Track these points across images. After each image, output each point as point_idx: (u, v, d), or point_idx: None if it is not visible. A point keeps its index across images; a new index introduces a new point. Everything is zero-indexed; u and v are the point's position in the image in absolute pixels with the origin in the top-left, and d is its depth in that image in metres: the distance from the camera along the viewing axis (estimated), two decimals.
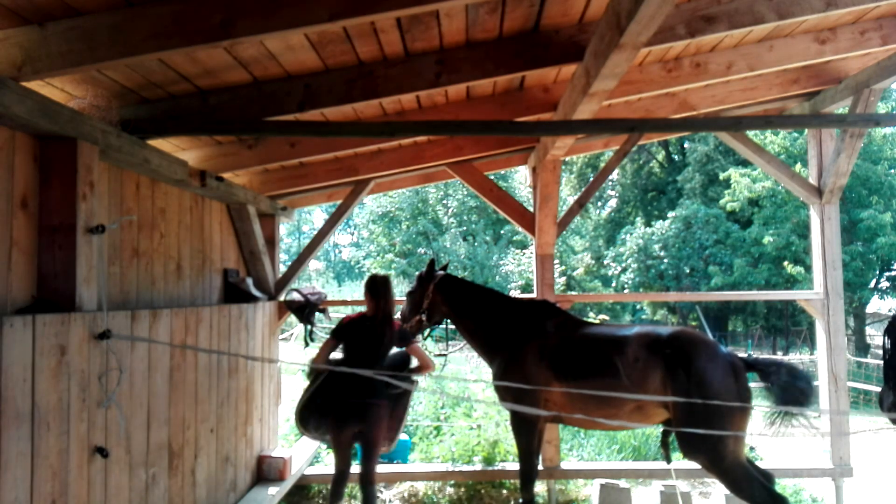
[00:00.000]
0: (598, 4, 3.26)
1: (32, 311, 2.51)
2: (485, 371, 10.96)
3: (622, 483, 5.33)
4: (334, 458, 4.30)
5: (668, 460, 4.24)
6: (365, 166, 5.37)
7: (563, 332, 4.29)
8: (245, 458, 4.87)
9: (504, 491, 5.84)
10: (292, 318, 5.64)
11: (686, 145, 25.49)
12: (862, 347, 20.95)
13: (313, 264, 36.68)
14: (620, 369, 3.89)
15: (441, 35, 3.41)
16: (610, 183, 28.59)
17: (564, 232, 14.16)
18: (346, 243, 45.13)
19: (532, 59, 3.64)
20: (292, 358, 10.07)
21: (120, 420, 2.91)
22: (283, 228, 10.10)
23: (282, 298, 5.67)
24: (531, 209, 5.79)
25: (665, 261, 22.65)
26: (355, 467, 4.30)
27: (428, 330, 4.86)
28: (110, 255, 3.22)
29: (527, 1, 3.19)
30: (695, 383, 3.68)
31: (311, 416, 4.38)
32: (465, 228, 27.81)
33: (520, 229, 6.13)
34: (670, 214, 23.44)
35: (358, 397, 4.10)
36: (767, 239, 20.12)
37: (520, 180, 26.67)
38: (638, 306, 27.00)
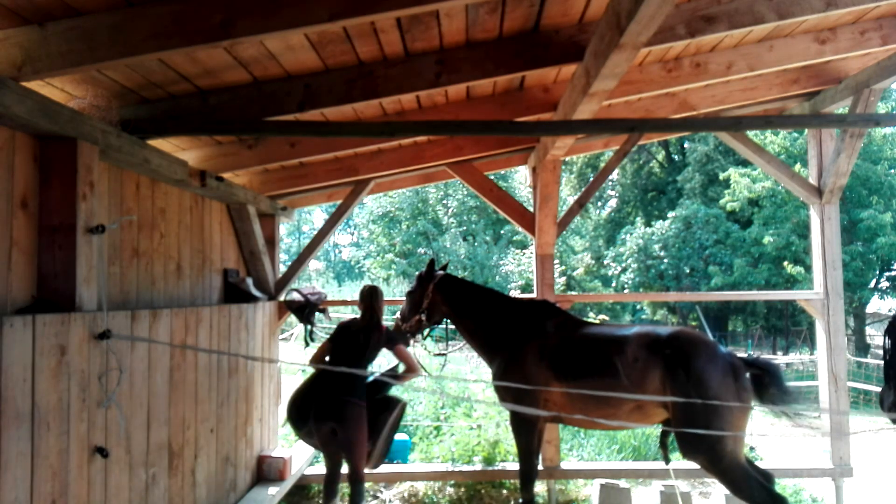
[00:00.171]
0: (598, 4, 3.26)
1: (32, 311, 2.51)
2: (485, 371, 10.96)
3: (622, 483, 5.33)
4: (323, 455, 4.36)
5: (667, 460, 4.24)
6: (365, 166, 5.37)
7: (563, 332, 4.29)
8: (245, 458, 4.87)
9: (504, 491, 5.84)
10: (292, 318, 5.64)
11: (686, 145, 25.48)
12: (862, 347, 20.94)
13: (313, 264, 36.68)
14: (620, 369, 3.89)
15: (441, 35, 3.41)
16: (610, 183, 28.58)
17: (564, 232, 14.16)
18: (346, 243, 45.13)
19: (532, 59, 3.64)
20: (292, 358, 10.07)
21: (120, 420, 2.91)
22: (283, 228, 10.10)
23: (282, 298, 5.67)
24: (531, 209, 5.79)
25: (665, 261, 22.64)
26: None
27: (427, 330, 4.86)
28: (110, 255, 3.23)
29: (527, 1, 3.19)
30: (694, 383, 3.68)
31: (298, 415, 4.44)
32: (465, 228, 27.81)
33: (520, 229, 6.13)
34: (670, 214, 23.43)
35: (333, 395, 4.16)
36: (767, 239, 20.11)
37: (520, 180, 26.67)
38: (638, 306, 26.99)
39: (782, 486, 5.82)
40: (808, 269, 17.90)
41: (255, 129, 3.67)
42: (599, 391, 3.65)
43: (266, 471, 5.13)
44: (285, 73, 3.51)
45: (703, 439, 3.58)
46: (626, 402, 3.84)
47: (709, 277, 21.44)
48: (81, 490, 2.62)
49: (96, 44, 2.55)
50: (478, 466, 5.72)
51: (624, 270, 23.60)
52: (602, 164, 22.69)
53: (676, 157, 27.00)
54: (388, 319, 4.76)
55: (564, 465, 5.61)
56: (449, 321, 4.96)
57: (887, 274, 20.56)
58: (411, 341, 4.86)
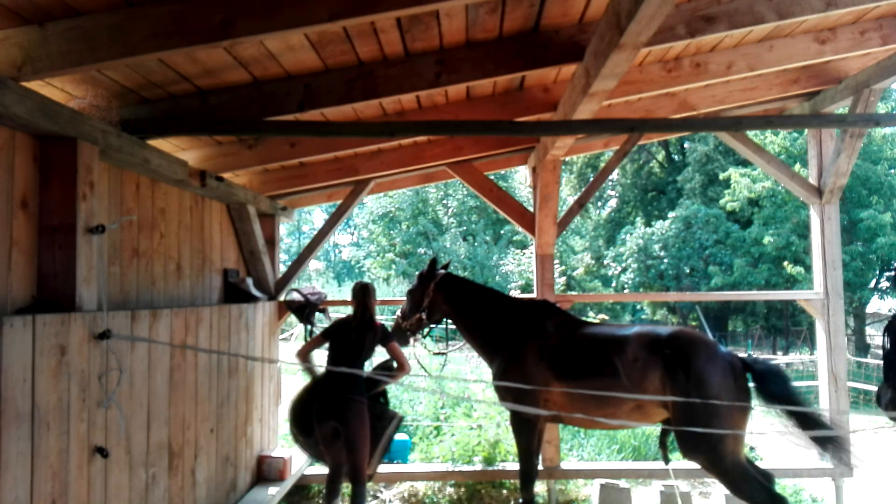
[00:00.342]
0: (598, 4, 3.26)
1: (32, 311, 2.51)
2: (485, 371, 10.96)
3: (622, 483, 5.33)
4: (325, 454, 4.35)
5: (667, 460, 4.24)
6: (365, 166, 5.37)
7: (563, 331, 4.29)
8: (245, 458, 4.87)
9: (504, 491, 5.84)
10: (292, 318, 5.65)
11: (686, 145, 25.48)
12: (862, 347, 20.94)
13: (313, 264, 36.68)
14: (620, 369, 3.89)
15: (441, 35, 3.41)
16: (610, 183, 28.58)
17: (564, 232, 14.16)
18: (346, 243, 45.12)
19: (532, 59, 3.64)
20: (292, 358, 10.06)
21: (120, 420, 2.91)
22: (283, 228, 10.09)
23: (282, 298, 5.67)
24: (531, 209, 5.79)
25: (665, 261, 22.64)
26: None
27: (428, 329, 4.86)
28: (110, 255, 3.23)
29: (527, 1, 3.19)
30: (694, 383, 3.68)
31: (300, 424, 4.46)
32: (465, 228, 27.82)
33: (520, 229, 6.13)
34: (670, 214, 23.44)
35: (334, 394, 4.17)
36: (767, 239, 20.11)
37: (520, 180, 26.67)
38: (638, 306, 26.99)
39: (782, 486, 5.81)
40: (808, 269, 17.90)
41: (255, 129, 3.67)
42: (599, 391, 3.65)
43: (266, 471, 5.13)
44: (285, 73, 3.51)
45: (704, 439, 3.57)
46: (626, 401, 3.84)
47: (709, 277, 21.44)
48: (81, 490, 2.62)
49: (96, 44, 2.55)
50: (478, 466, 5.72)
51: (624, 270, 23.60)
52: (602, 164, 22.69)
53: (676, 157, 27.00)
54: (389, 319, 4.75)
55: (564, 465, 5.61)
56: (449, 320, 4.96)
57: (887, 274, 20.54)
58: (411, 340, 4.86)
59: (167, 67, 3.10)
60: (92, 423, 2.70)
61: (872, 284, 21.03)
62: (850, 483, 5.57)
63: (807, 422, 3.70)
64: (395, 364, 4.52)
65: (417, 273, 4.91)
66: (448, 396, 7.49)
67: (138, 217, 3.55)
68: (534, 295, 5.64)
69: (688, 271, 22.43)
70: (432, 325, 4.86)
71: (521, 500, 4.51)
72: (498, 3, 3.17)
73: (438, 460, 6.12)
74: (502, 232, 27.67)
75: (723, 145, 22.40)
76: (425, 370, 5.12)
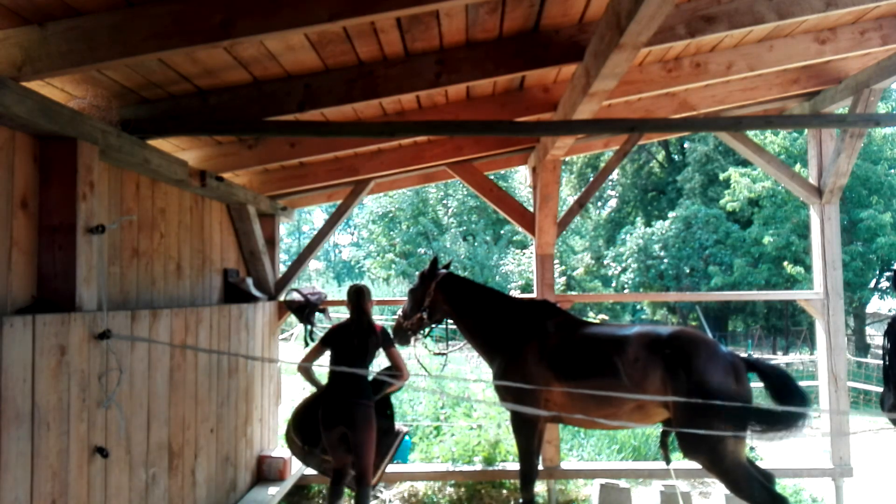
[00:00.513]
0: (598, 4, 3.26)
1: (32, 311, 2.51)
2: (485, 371, 10.96)
3: (622, 483, 5.33)
4: (330, 458, 4.34)
5: (668, 461, 4.24)
6: (365, 166, 5.37)
7: (564, 331, 4.29)
8: (245, 458, 4.87)
9: (504, 491, 5.84)
10: (292, 318, 5.64)
11: (686, 145, 25.49)
12: (862, 347, 20.94)
13: (313, 264, 36.68)
14: (620, 369, 3.88)
15: (441, 35, 3.41)
16: (610, 183, 28.58)
17: (564, 232, 14.16)
18: (346, 243, 45.12)
19: (532, 59, 3.64)
20: (292, 358, 10.06)
21: (120, 420, 2.91)
22: (283, 228, 10.10)
23: (282, 298, 5.67)
24: (531, 209, 5.79)
25: (665, 261, 22.65)
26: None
27: (429, 328, 4.86)
28: (110, 255, 3.23)
29: (527, 1, 3.19)
30: (695, 383, 3.68)
31: (303, 430, 4.47)
32: (465, 228, 27.82)
33: (520, 229, 6.13)
34: (670, 214, 23.44)
35: (341, 398, 4.16)
36: (767, 239, 20.12)
37: (520, 180, 26.68)
38: (638, 306, 27.00)
39: (782, 486, 5.81)
40: (808, 269, 17.90)
41: (255, 129, 3.67)
42: (600, 391, 3.65)
43: (266, 471, 5.13)
44: (285, 73, 3.51)
45: (705, 439, 3.57)
46: (627, 401, 3.84)
47: (709, 277, 21.44)
48: (81, 490, 2.62)
49: (96, 44, 2.55)
50: (478, 466, 5.72)
51: (624, 270, 23.60)
52: (602, 164, 22.69)
53: (676, 157, 27.00)
54: (389, 319, 4.75)
55: (564, 465, 5.61)
56: (450, 320, 4.96)
57: (887, 274, 20.54)
58: (412, 339, 4.86)
59: (167, 67, 3.10)
60: (92, 423, 2.70)
61: (872, 284, 21.03)
62: (850, 483, 5.57)
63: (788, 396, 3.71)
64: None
65: (419, 272, 4.91)
66: (448, 396, 7.49)
67: (138, 217, 3.55)
68: (534, 295, 5.64)
69: (688, 271, 22.44)
70: (433, 325, 4.86)
71: (521, 500, 4.51)
72: (498, 3, 3.16)
73: (438, 460, 6.12)
74: (502, 232, 27.68)
75: (723, 145, 22.41)
76: (425, 370, 5.12)
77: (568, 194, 27.36)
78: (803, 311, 16.03)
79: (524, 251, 24.53)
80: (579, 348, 4.13)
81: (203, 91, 3.51)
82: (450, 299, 4.68)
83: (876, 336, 24.00)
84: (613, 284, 24.34)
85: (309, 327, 5.41)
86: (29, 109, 2.39)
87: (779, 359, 17.07)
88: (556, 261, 23.73)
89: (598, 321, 5.92)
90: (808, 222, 13.58)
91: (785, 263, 19.58)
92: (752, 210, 21.36)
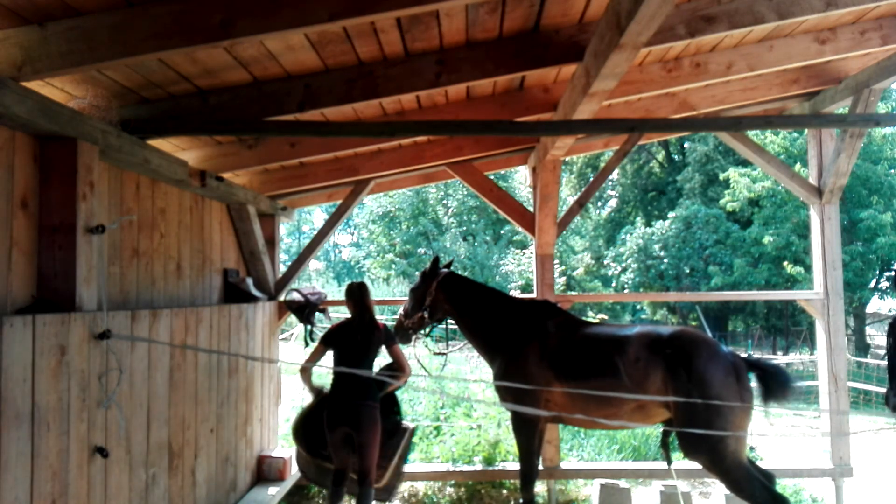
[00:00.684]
0: (598, 4, 3.26)
1: (32, 311, 2.51)
2: (485, 371, 10.96)
3: (622, 483, 5.33)
4: (332, 458, 4.32)
5: (669, 461, 4.23)
6: (365, 166, 5.37)
7: (564, 331, 4.29)
8: (245, 458, 4.87)
9: (504, 491, 5.84)
10: (292, 318, 5.64)
11: (686, 145, 25.48)
12: (862, 347, 20.95)
13: (313, 264, 36.68)
14: (621, 369, 3.88)
15: (441, 35, 3.41)
16: (610, 183, 28.58)
17: (564, 232, 14.16)
18: (346, 243, 45.12)
19: (532, 59, 3.64)
20: (292, 358, 10.06)
21: (120, 420, 2.91)
22: (283, 228, 10.10)
23: (282, 298, 5.67)
24: (531, 209, 5.79)
25: (665, 261, 22.64)
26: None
27: (429, 327, 4.86)
28: (110, 255, 3.23)
29: (527, 1, 3.19)
30: (696, 383, 3.68)
31: (306, 439, 4.46)
32: (465, 228, 27.83)
33: (520, 229, 6.13)
34: (670, 214, 23.44)
35: (347, 400, 4.13)
36: (767, 239, 20.11)
37: (520, 180, 26.68)
38: (638, 306, 26.99)
39: (782, 486, 5.81)
40: (808, 269, 17.90)
41: (255, 129, 3.67)
42: (601, 391, 3.65)
43: (266, 471, 5.13)
44: (285, 73, 3.51)
45: (705, 439, 3.57)
46: (628, 402, 3.84)
47: (709, 277, 21.44)
48: (81, 490, 2.62)
49: (96, 44, 2.55)
50: (478, 466, 5.72)
51: (624, 270, 23.60)
52: (602, 164, 22.69)
53: (676, 157, 27.00)
54: (389, 319, 4.74)
55: (564, 465, 5.61)
56: (450, 320, 4.96)
57: (887, 274, 20.55)
58: (413, 338, 4.86)
59: (167, 67, 3.10)
60: (92, 423, 2.70)
61: (872, 284, 21.03)
62: (850, 483, 5.57)
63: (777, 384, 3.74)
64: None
65: (420, 271, 4.91)
66: (448, 396, 7.49)
67: (138, 217, 3.55)
68: (534, 295, 5.64)
69: (688, 271, 22.43)
70: (434, 324, 4.85)
71: (521, 500, 4.51)
72: (498, 3, 3.17)
73: (438, 460, 6.12)
74: (502, 232, 27.68)
75: (723, 145, 22.40)
76: (425, 370, 5.12)
77: (568, 194, 27.36)
78: (803, 311, 16.03)
79: (524, 251, 24.53)
80: (580, 348, 4.13)
81: (203, 91, 3.51)
82: (451, 299, 4.68)
83: (876, 336, 24.00)
84: (613, 284, 24.34)
85: (309, 327, 5.40)
86: (29, 109, 2.39)
87: (779, 359, 17.07)
88: (556, 261, 23.74)
89: (598, 321, 5.92)
90: (808, 222, 13.58)
91: (785, 263, 19.58)
92: (752, 210, 21.36)
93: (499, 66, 3.64)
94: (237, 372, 4.64)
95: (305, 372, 4.40)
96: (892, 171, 20.69)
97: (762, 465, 4.49)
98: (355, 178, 5.60)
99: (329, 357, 4.42)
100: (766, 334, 24.32)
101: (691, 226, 22.51)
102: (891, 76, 4.55)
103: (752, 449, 7.10)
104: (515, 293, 13.16)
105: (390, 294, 23.47)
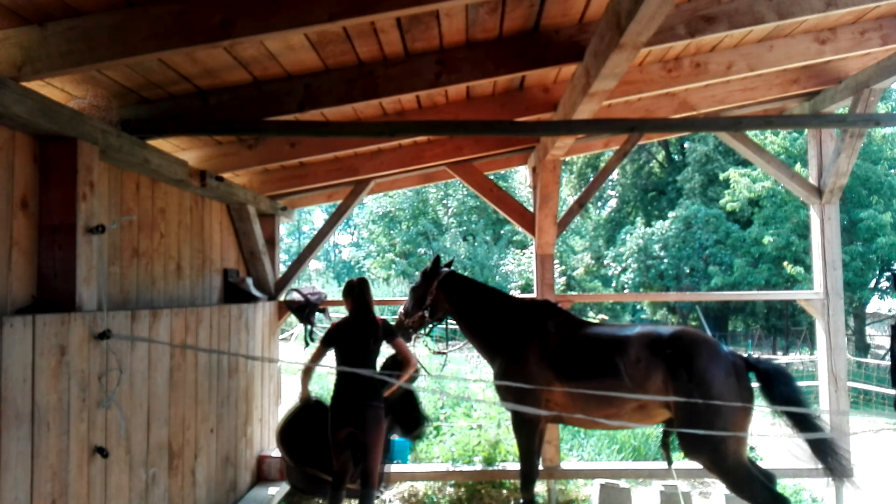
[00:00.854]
0: (598, 4, 3.26)
1: (32, 311, 2.51)
2: (485, 371, 10.96)
3: (622, 483, 5.33)
4: (333, 460, 4.30)
5: (669, 462, 4.23)
6: (365, 166, 5.37)
7: (565, 332, 4.29)
8: (245, 458, 4.87)
9: (504, 491, 5.84)
10: (292, 318, 5.64)
11: (686, 145, 25.49)
12: (862, 347, 20.95)
13: (313, 264, 36.68)
14: (622, 369, 3.88)
15: (441, 35, 3.41)
16: (610, 183, 28.59)
17: (564, 232, 14.16)
18: (346, 243, 45.14)
19: (532, 59, 3.64)
20: (292, 358, 10.06)
21: (120, 420, 2.91)
22: (283, 228, 10.10)
23: (282, 298, 5.67)
24: (531, 209, 5.79)
25: (665, 261, 22.65)
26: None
27: (429, 327, 4.85)
28: (110, 255, 3.23)
29: (527, 1, 3.19)
30: (696, 383, 3.67)
31: (290, 445, 4.42)
32: (465, 228, 27.84)
33: (520, 229, 6.13)
34: (670, 214, 23.45)
35: (352, 400, 4.11)
36: (767, 239, 20.12)
37: (520, 180, 26.69)
38: (638, 306, 26.99)
39: (783, 486, 5.81)
40: (808, 269, 17.90)
41: (255, 129, 3.67)
42: (601, 391, 3.65)
43: (266, 471, 5.12)
44: (285, 73, 3.51)
45: (706, 439, 3.57)
46: (628, 402, 3.83)
47: (709, 277, 21.45)
48: (81, 490, 2.62)
49: (96, 44, 2.55)
50: (478, 466, 5.72)
51: (624, 270, 23.61)
52: (602, 164, 22.69)
53: (676, 157, 27.01)
54: (389, 318, 4.73)
55: (564, 465, 5.61)
56: (451, 319, 4.95)
57: (887, 274, 20.56)
58: (413, 338, 4.85)
59: (167, 67, 3.10)
60: (92, 423, 2.70)
61: (872, 284, 21.04)
62: (850, 483, 5.56)
63: (804, 424, 3.70)
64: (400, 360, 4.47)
65: (421, 271, 4.91)
66: (448, 396, 7.49)
67: (138, 217, 3.55)
68: (534, 295, 5.64)
69: (688, 271, 22.44)
70: (434, 323, 4.85)
71: (521, 500, 4.51)
72: (498, 3, 3.17)
73: (438, 460, 6.12)
74: (502, 232, 27.69)
75: (723, 145, 22.41)
76: (425, 370, 5.12)
77: (568, 194, 27.37)
78: (803, 311, 16.03)
79: (524, 251, 24.54)
80: (580, 349, 4.12)
81: (203, 91, 3.51)
82: (451, 298, 4.68)
83: (876, 336, 24.01)
84: (613, 284, 24.35)
85: (309, 327, 5.40)
86: (29, 109, 2.39)
87: (779, 359, 17.07)
88: (556, 261, 23.74)
89: (598, 321, 5.93)
90: (808, 222, 13.58)
91: (785, 263, 19.59)
92: (752, 210, 21.37)
93: (499, 66, 3.64)
94: (237, 372, 4.64)
95: (308, 373, 4.36)
96: (892, 171, 20.70)
97: (763, 465, 4.49)
98: (355, 178, 5.60)
99: (330, 356, 4.40)
100: (766, 334, 24.32)
101: (691, 226, 22.52)
102: (891, 76, 4.54)
103: (752, 449, 7.10)
104: (515, 293, 13.16)
105: (390, 294, 23.47)
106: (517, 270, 24.05)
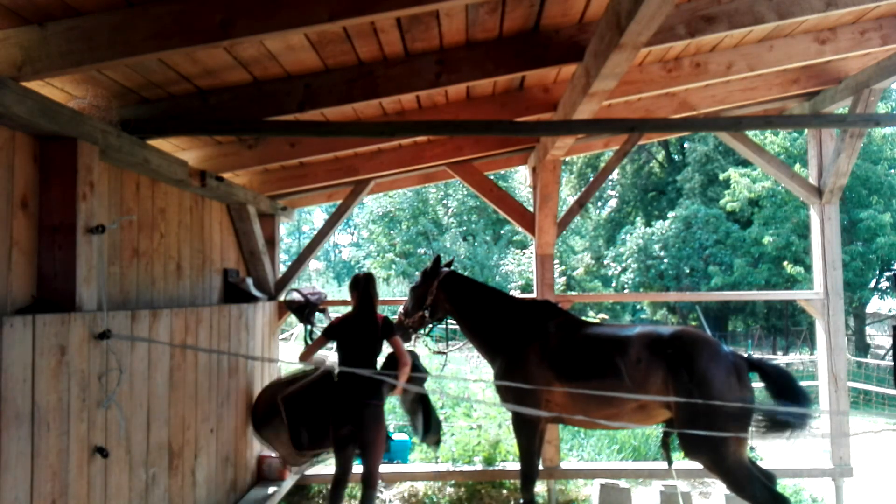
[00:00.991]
0: (598, 4, 3.26)
1: (32, 311, 2.51)
2: (485, 371, 10.96)
3: (622, 483, 5.33)
4: (334, 459, 4.30)
5: (670, 462, 4.23)
6: (365, 166, 5.37)
7: (565, 332, 4.29)
8: (245, 458, 4.86)
9: (504, 491, 5.84)
10: (292, 318, 5.64)
11: (686, 145, 25.48)
12: (862, 347, 20.94)
13: (313, 264, 36.67)
14: (622, 370, 3.88)
15: (441, 35, 3.41)
16: (610, 183, 28.57)
17: (564, 232, 14.16)
18: (346, 243, 45.15)
19: (532, 59, 3.64)
20: (292, 358, 10.06)
21: (120, 420, 2.91)
22: (283, 228, 10.10)
23: (282, 298, 5.67)
24: (531, 209, 5.79)
25: (665, 261, 22.64)
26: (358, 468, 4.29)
27: (429, 326, 4.85)
28: (110, 255, 3.23)
29: (527, 1, 3.19)
30: (697, 383, 3.67)
31: (305, 426, 4.44)
32: (465, 228, 27.83)
33: (520, 229, 6.13)
34: (670, 214, 23.44)
35: (353, 398, 4.10)
36: (767, 239, 20.11)
37: (520, 180, 26.68)
38: (638, 306, 26.99)
39: (783, 486, 5.81)
40: (808, 269, 17.90)
41: (255, 129, 3.67)
42: (601, 392, 3.64)
43: (266, 471, 5.12)
44: (285, 73, 3.51)
45: (707, 439, 3.57)
46: (629, 402, 3.83)
47: (709, 277, 21.44)
48: (81, 490, 2.62)
49: (96, 44, 2.55)
50: (478, 466, 5.72)
51: (624, 270, 23.60)
52: (602, 164, 22.69)
53: (676, 157, 27.00)
54: (390, 317, 4.73)
55: (564, 465, 5.61)
56: (451, 319, 4.95)
57: (887, 274, 20.56)
58: (413, 337, 4.85)
59: (167, 67, 3.10)
60: (92, 423, 2.70)
61: (872, 284, 21.03)
62: (850, 483, 5.57)
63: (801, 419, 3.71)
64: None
65: (421, 270, 4.90)
66: (448, 396, 7.49)
67: (138, 217, 3.55)
68: (534, 295, 5.64)
69: (688, 271, 22.43)
70: (434, 323, 4.85)
71: (521, 501, 4.51)
72: (498, 3, 3.17)
73: (438, 460, 6.12)
74: (502, 232, 27.68)
75: (723, 145, 22.41)
76: (425, 370, 5.12)
77: (568, 194, 27.36)
78: (803, 311, 16.03)
79: (524, 251, 24.53)
80: (581, 349, 4.12)
81: (203, 91, 3.51)
82: (451, 298, 4.68)
83: (876, 336, 24.01)
84: (613, 284, 24.34)
85: (309, 327, 5.40)
86: (29, 109, 2.39)
87: (779, 359, 17.07)
88: (556, 261, 23.73)
89: (598, 321, 5.93)
90: (808, 222, 13.58)
91: (785, 263, 19.58)
92: (752, 210, 21.35)
93: (499, 66, 3.64)
94: (237, 372, 4.64)
95: (307, 356, 4.31)
96: (892, 171, 20.69)
97: (763, 465, 4.49)
98: (355, 178, 5.60)
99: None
100: (766, 334, 24.32)
101: (691, 226, 22.51)
102: (891, 76, 4.55)
103: (752, 449, 7.10)
104: (515, 293, 13.16)
105: (390, 294, 23.47)
106: (517, 270, 24.04)
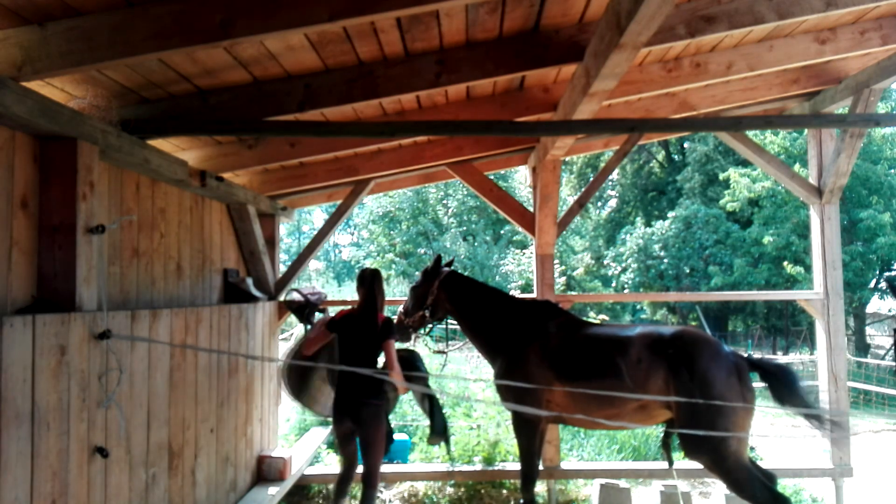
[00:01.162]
0: (598, 4, 3.26)
1: (32, 311, 2.51)
2: (485, 371, 10.96)
3: (622, 483, 5.33)
4: (339, 456, 4.30)
5: (671, 462, 4.23)
6: (365, 166, 5.37)
7: (565, 332, 4.29)
8: (245, 458, 4.87)
9: (504, 491, 5.84)
10: (292, 318, 5.64)
11: (686, 145, 25.47)
12: (862, 347, 20.92)
13: (313, 264, 36.67)
14: (623, 370, 3.88)
15: (441, 35, 3.41)
16: (610, 183, 28.57)
17: (564, 232, 14.16)
18: (346, 243, 45.13)
19: (532, 59, 3.64)
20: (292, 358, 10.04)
21: (120, 420, 2.91)
22: (283, 228, 10.10)
23: (282, 298, 5.67)
24: (531, 209, 5.79)
25: (665, 261, 22.63)
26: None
27: (430, 326, 4.85)
28: (110, 255, 3.22)
29: (527, 1, 3.19)
30: (698, 383, 3.67)
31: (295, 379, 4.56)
32: (465, 228, 27.81)
33: (520, 229, 6.13)
34: (670, 214, 23.43)
35: (351, 396, 4.09)
36: (767, 239, 20.10)
37: (520, 180, 26.67)
38: (638, 306, 26.98)
39: (783, 486, 5.82)
40: (808, 269, 17.89)
41: (255, 129, 3.67)
42: (602, 391, 3.65)
43: (266, 471, 5.12)
44: (285, 73, 3.51)
45: (708, 439, 3.57)
46: (629, 402, 3.83)
47: (709, 277, 21.43)
48: (81, 490, 2.62)
49: (96, 44, 2.55)
50: (478, 466, 5.72)
51: (624, 270, 23.59)
52: (602, 164, 22.69)
53: (676, 157, 27.00)
54: (392, 317, 4.72)
55: (564, 465, 5.61)
56: (451, 319, 4.95)
57: (887, 274, 20.56)
58: (413, 337, 4.84)
59: (167, 67, 3.10)
60: (92, 423, 2.70)
61: (872, 284, 21.02)
62: (850, 483, 5.57)
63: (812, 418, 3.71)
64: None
65: (422, 270, 4.90)
66: (448, 396, 7.49)
67: (138, 217, 3.55)
68: (534, 295, 5.64)
69: (688, 271, 22.42)
70: (435, 323, 4.85)
71: (521, 501, 4.51)
72: (498, 3, 3.17)
73: (438, 460, 6.12)
74: (502, 232, 27.67)
75: (723, 145, 22.40)
76: (426, 370, 5.11)
77: (568, 194, 27.36)
78: (803, 311, 16.03)
79: (524, 251, 24.51)
80: (581, 349, 4.12)
81: (203, 91, 3.51)
82: (452, 298, 4.68)
83: (876, 336, 24.01)
84: (613, 284, 24.33)
85: (309, 327, 5.40)
86: (29, 109, 2.39)
87: (779, 359, 17.07)
88: (556, 261, 23.74)
89: (598, 321, 5.92)
90: (808, 222, 13.58)
91: (785, 263, 19.57)
92: (752, 210, 21.34)
93: (499, 66, 3.64)
94: (237, 372, 4.64)
95: (309, 350, 4.30)
96: (892, 171, 20.67)
97: (763, 465, 4.49)
98: (355, 178, 5.60)
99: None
100: (766, 334, 24.31)
101: (691, 226, 22.51)
102: (891, 76, 4.55)
103: (752, 449, 7.10)
104: (515, 293, 13.15)
105: (390, 294, 23.44)
106: (517, 270, 24.03)
